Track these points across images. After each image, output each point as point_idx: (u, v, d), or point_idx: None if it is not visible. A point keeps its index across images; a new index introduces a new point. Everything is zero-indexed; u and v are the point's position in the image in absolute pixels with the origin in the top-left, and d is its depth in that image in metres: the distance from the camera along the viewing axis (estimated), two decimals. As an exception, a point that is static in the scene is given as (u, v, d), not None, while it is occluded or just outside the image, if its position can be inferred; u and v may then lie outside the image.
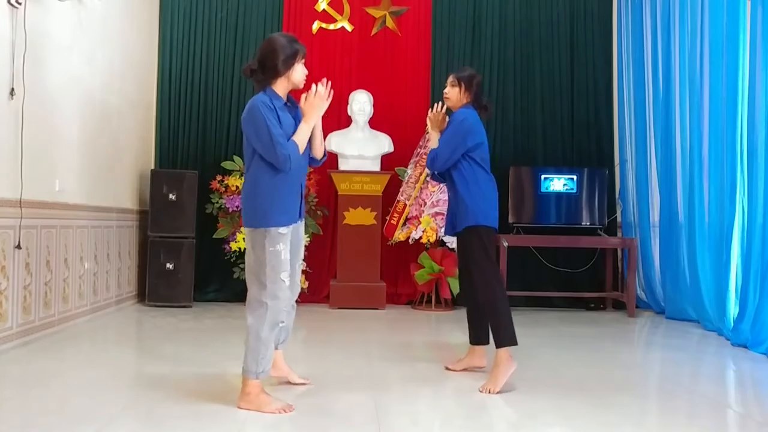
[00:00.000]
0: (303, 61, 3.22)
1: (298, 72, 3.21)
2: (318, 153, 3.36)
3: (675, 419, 3.27)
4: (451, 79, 3.97)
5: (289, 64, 3.16)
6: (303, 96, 3.22)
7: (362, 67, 7.09)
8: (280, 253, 3.12)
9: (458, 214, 3.79)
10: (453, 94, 3.94)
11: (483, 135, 3.86)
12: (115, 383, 3.62)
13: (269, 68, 3.16)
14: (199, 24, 6.95)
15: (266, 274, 3.11)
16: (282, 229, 3.14)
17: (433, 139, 4.01)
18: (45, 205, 4.66)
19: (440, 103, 4.03)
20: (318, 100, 3.19)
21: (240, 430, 2.89)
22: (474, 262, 3.72)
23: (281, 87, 3.21)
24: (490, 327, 3.73)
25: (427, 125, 4.14)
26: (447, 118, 4.00)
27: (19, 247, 4.28)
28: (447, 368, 4.01)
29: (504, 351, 3.60)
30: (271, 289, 3.11)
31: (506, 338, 3.61)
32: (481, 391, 3.50)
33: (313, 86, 3.21)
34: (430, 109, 4.09)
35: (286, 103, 3.24)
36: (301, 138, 3.17)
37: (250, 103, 3.16)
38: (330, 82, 3.27)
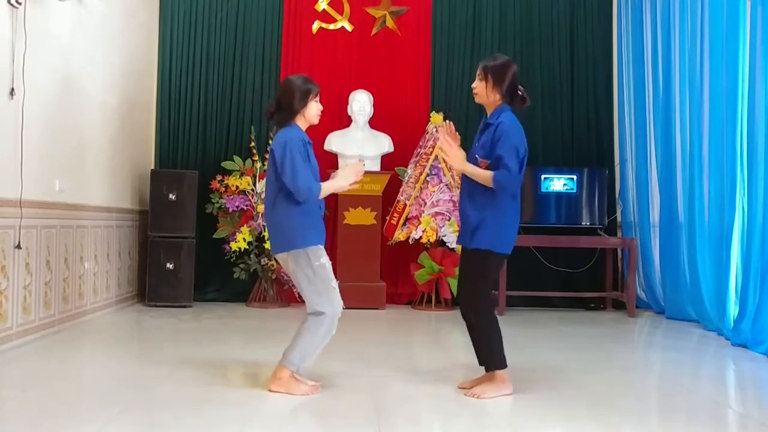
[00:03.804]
0: (317, 99, 3.49)
1: (313, 109, 3.48)
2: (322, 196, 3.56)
3: (675, 419, 3.28)
4: (478, 70, 3.46)
5: (304, 102, 3.43)
6: (346, 164, 3.59)
7: (362, 67, 7.09)
8: (325, 265, 3.42)
9: (476, 231, 3.42)
10: (480, 89, 3.44)
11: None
12: (116, 383, 3.62)
13: (286, 108, 3.43)
14: (199, 24, 6.95)
15: (319, 285, 3.40)
16: (320, 246, 3.43)
17: (459, 161, 3.44)
18: (45, 204, 4.65)
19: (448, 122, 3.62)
20: (355, 175, 3.53)
21: (241, 430, 2.89)
22: (475, 287, 3.47)
23: (300, 124, 3.50)
24: (480, 350, 3.51)
25: (440, 149, 3.54)
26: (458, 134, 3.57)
27: (19, 247, 4.28)
28: (461, 388, 3.59)
29: (502, 372, 3.45)
30: (328, 298, 3.40)
31: (497, 361, 3.45)
32: (466, 394, 3.40)
33: (358, 163, 3.62)
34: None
35: (308, 140, 3.50)
36: (327, 189, 3.49)
37: (284, 135, 3.40)
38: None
